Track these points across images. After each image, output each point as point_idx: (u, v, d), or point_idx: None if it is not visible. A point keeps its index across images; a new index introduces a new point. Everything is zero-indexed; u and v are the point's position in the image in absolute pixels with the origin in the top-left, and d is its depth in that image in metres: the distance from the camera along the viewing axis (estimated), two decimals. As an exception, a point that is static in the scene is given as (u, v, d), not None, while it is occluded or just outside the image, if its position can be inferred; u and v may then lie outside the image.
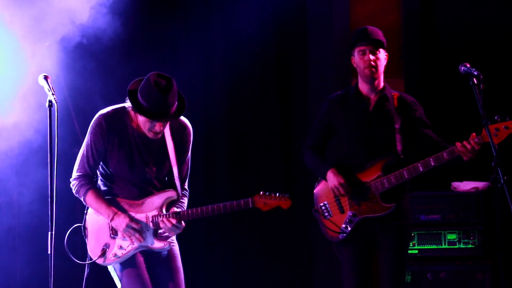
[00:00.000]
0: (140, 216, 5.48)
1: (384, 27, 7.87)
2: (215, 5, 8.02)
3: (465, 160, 5.65)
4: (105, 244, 5.49)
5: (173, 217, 5.46)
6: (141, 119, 5.38)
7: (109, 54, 7.38)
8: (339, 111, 5.97)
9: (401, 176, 5.78)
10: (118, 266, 5.50)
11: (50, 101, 5.14)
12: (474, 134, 5.60)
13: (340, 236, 5.90)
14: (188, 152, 5.67)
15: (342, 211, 5.92)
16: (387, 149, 5.86)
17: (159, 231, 5.52)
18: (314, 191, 6.06)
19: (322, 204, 6.00)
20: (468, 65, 5.45)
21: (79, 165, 5.49)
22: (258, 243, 8.11)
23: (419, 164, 5.74)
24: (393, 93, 5.96)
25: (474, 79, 5.37)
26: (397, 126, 5.86)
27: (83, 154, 5.47)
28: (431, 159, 5.71)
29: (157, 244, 5.50)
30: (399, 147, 5.87)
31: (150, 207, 5.50)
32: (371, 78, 5.87)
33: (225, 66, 8.05)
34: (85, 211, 5.58)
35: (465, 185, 7.26)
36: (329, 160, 6.01)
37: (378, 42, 5.86)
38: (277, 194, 5.58)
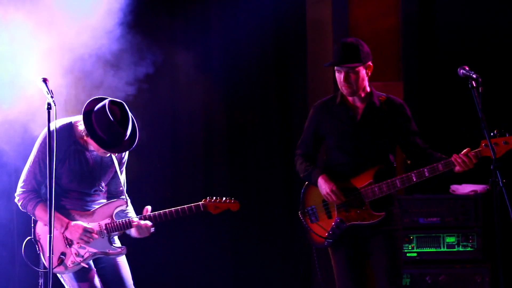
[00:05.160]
0: (92, 225, 5.63)
1: (383, 30, 7.94)
2: (215, 8, 8.02)
3: (456, 171, 5.65)
4: (61, 252, 5.58)
5: (149, 220, 5.67)
6: (93, 145, 5.53)
7: (109, 57, 7.37)
8: (326, 118, 5.90)
9: (393, 185, 5.73)
10: (70, 275, 5.62)
11: (48, 104, 5.15)
12: (468, 148, 5.59)
13: (326, 242, 5.86)
14: (125, 163, 5.85)
15: (330, 216, 5.87)
16: (378, 158, 5.80)
17: (132, 233, 5.71)
18: (301, 194, 6.01)
19: (309, 207, 5.96)
20: (467, 68, 5.44)
21: (25, 181, 5.60)
22: (257, 246, 8.11)
23: (412, 174, 5.69)
24: (380, 97, 5.87)
25: (473, 82, 5.35)
26: (386, 133, 5.81)
27: (29, 170, 5.58)
28: (425, 170, 5.67)
29: (113, 250, 5.66)
30: (390, 155, 5.84)
31: (102, 216, 5.66)
32: (349, 95, 5.83)
33: (224, 69, 8.04)
34: (33, 225, 5.65)
35: (464, 188, 7.26)
36: (320, 166, 5.95)
37: (349, 64, 5.73)
38: (224, 198, 5.84)
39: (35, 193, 5.60)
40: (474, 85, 5.35)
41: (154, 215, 5.67)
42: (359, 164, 5.79)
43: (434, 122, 7.88)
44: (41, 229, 5.62)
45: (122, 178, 5.82)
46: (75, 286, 5.59)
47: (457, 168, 5.61)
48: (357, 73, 5.74)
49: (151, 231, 5.69)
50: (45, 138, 5.54)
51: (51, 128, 5.46)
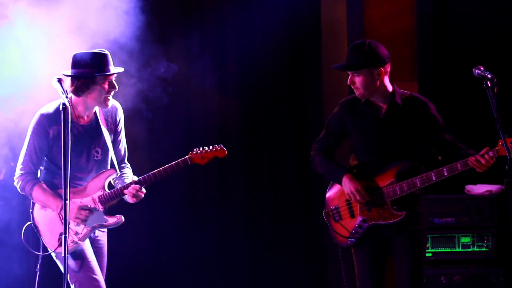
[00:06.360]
0: (86, 200, 5.70)
1: (398, 30, 7.93)
2: (230, 9, 8.03)
3: (479, 171, 5.63)
4: (60, 233, 5.60)
5: (135, 184, 5.70)
6: (93, 95, 5.60)
7: (123, 58, 7.40)
8: (350, 116, 5.89)
9: (413, 184, 5.71)
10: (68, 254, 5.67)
11: (63, 104, 5.18)
12: (487, 148, 5.56)
13: (349, 241, 5.87)
14: (122, 130, 5.92)
15: (353, 216, 5.87)
16: (401, 157, 5.78)
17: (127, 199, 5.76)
18: (326, 194, 6.01)
19: (333, 207, 5.96)
20: (482, 68, 5.42)
21: (22, 163, 5.70)
22: (271, 245, 8.12)
23: (432, 173, 5.67)
24: (403, 96, 5.84)
25: (488, 82, 5.34)
26: (409, 133, 5.79)
27: (26, 153, 5.70)
28: (444, 169, 5.64)
29: (110, 220, 5.73)
30: (412, 154, 5.82)
31: (94, 189, 5.72)
32: (359, 97, 5.82)
33: (239, 70, 8.07)
34: (31, 210, 5.75)
35: (479, 188, 7.24)
36: (343, 165, 5.96)
37: (349, 68, 5.74)
38: (210, 147, 5.86)
39: (32, 174, 5.70)
40: (489, 85, 5.34)
41: (144, 178, 5.71)
42: (382, 163, 5.79)
43: (449, 123, 7.86)
44: (38, 213, 5.71)
45: (123, 144, 5.91)
46: (72, 263, 5.61)
47: (477, 169, 5.60)
48: (361, 77, 5.72)
49: (142, 196, 5.71)
50: (38, 121, 5.65)
51: (43, 112, 5.67)
